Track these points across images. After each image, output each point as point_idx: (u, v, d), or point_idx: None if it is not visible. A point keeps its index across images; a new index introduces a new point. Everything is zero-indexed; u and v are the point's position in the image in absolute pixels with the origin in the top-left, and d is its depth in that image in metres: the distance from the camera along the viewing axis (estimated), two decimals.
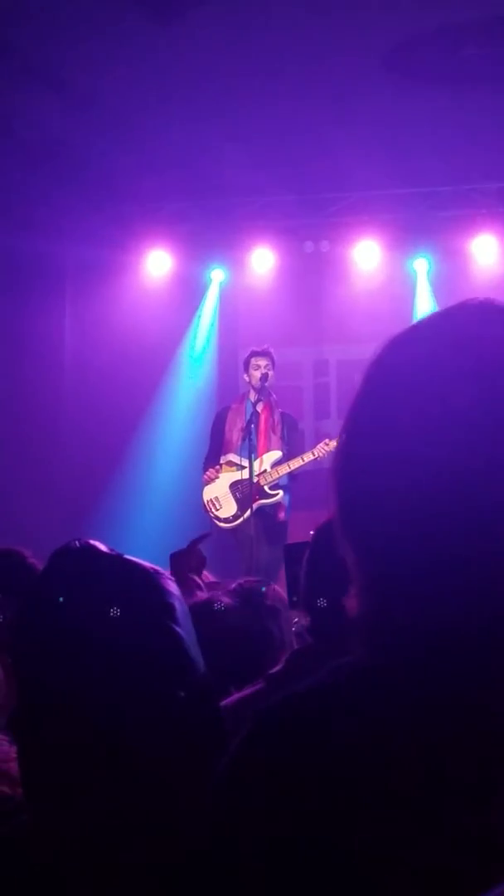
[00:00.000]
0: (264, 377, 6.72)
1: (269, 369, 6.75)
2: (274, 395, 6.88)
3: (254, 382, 6.77)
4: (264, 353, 6.80)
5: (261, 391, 6.73)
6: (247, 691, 1.92)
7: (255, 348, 6.85)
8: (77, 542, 1.26)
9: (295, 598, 2.30)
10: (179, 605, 1.20)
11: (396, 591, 0.80)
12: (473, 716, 0.76)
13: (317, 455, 6.54)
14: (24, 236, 7.77)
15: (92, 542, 1.27)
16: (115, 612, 1.15)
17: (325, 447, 6.50)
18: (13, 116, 6.59)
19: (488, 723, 0.76)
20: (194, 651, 1.18)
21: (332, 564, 1.87)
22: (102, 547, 1.26)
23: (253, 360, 6.81)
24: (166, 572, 1.26)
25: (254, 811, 0.80)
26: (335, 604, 1.81)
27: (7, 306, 8.43)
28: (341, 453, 0.87)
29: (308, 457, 6.57)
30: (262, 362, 6.77)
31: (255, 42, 5.88)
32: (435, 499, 0.78)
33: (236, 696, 1.96)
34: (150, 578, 1.20)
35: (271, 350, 6.82)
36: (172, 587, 1.22)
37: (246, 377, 6.87)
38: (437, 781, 0.75)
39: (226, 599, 2.16)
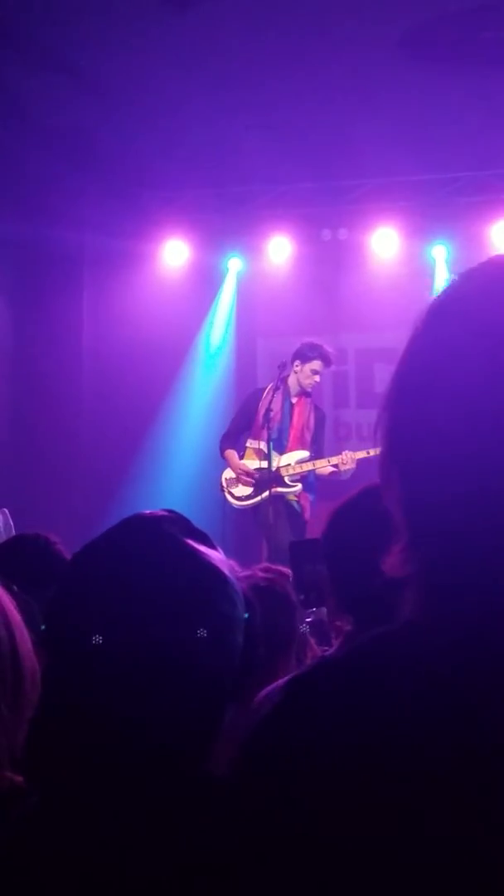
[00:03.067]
0: (315, 384, 6.62)
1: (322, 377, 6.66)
2: (311, 395, 6.73)
3: (305, 385, 6.57)
4: (330, 363, 6.60)
5: (303, 391, 6.64)
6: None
7: (325, 349, 6.56)
8: (151, 512, 1.20)
9: (302, 597, 2.29)
10: (235, 619, 1.15)
11: (448, 550, 0.76)
12: None
13: (340, 466, 6.44)
14: (43, 225, 7.77)
15: (167, 513, 1.20)
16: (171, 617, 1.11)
17: (347, 459, 6.40)
18: (32, 104, 6.59)
19: None
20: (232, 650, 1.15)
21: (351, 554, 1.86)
22: (173, 517, 1.19)
23: (318, 364, 6.55)
24: (235, 572, 1.20)
25: (280, 783, 0.77)
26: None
27: (26, 295, 8.45)
28: (395, 388, 0.83)
29: (334, 460, 6.48)
30: (323, 370, 6.61)
31: (273, 29, 5.84)
32: (497, 451, 0.75)
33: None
34: (202, 584, 1.14)
35: (334, 360, 6.69)
36: (238, 597, 1.17)
37: (297, 369, 6.58)
38: (490, 756, 0.72)
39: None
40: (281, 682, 2.04)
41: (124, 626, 1.11)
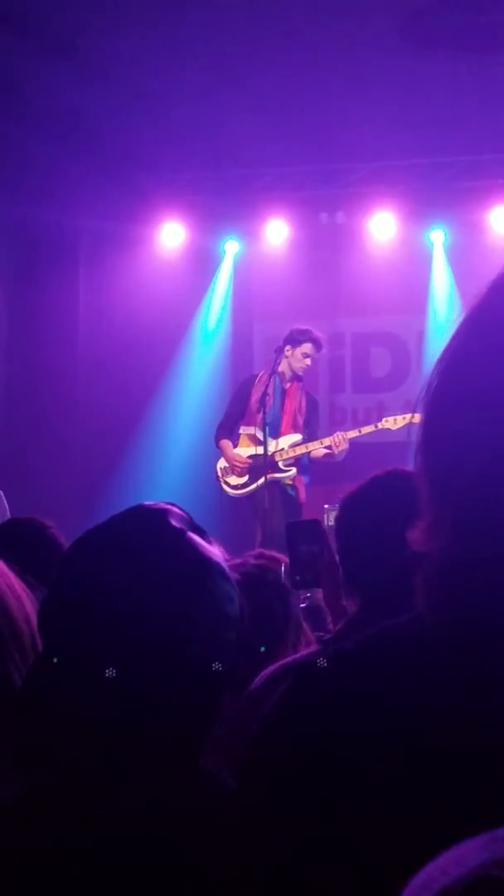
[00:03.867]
0: (306, 368, 6.67)
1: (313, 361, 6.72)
2: (303, 380, 6.81)
3: (296, 368, 6.62)
4: (320, 347, 6.65)
5: (295, 376, 6.67)
6: (292, 658, 1.98)
7: (315, 334, 6.61)
8: (155, 505, 1.20)
9: (298, 577, 2.30)
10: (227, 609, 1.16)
11: (474, 533, 0.75)
12: None
13: (332, 447, 6.47)
14: (39, 207, 7.73)
15: (170, 507, 1.20)
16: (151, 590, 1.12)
17: (339, 439, 6.44)
18: (27, 86, 6.54)
19: None
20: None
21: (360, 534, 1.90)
22: (176, 511, 1.20)
23: (308, 348, 6.59)
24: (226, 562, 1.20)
25: (286, 772, 0.77)
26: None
27: (22, 277, 8.42)
28: (437, 374, 0.81)
29: (326, 441, 6.52)
30: (315, 354, 6.66)
31: (270, 12, 5.80)
32: None
33: (282, 662, 2.01)
34: (202, 577, 1.14)
35: (324, 344, 6.73)
36: (234, 594, 1.17)
37: (288, 353, 6.61)
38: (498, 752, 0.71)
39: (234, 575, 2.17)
40: (275, 667, 2.05)
41: (124, 616, 1.11)
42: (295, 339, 6.60)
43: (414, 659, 0.76)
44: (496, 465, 0.74)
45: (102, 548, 1.17)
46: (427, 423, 0.80)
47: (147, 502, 1.22)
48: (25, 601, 1.37)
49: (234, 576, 1.20)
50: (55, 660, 1.14)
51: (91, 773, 1.09)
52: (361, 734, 0.75)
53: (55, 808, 1.09)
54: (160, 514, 1.18)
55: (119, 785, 1.09)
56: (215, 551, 1.19)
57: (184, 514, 1.21)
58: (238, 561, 2.25)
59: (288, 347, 6.62)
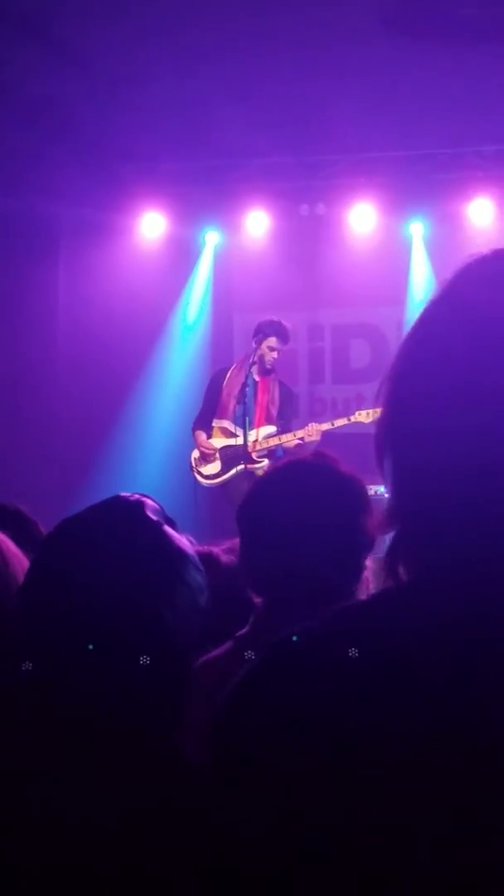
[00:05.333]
0: (275, 360, 6.69)
1: (281, 353, 6.74)
2: (273, 371, 6.83)
3: (266, 361, 6.66)
4: (287, 339, 6.69)
5: (267, 370, 6.70)
6: (215, 653, 1.88)
7: (282, 326, 6.66)
8: (131, 496, 1.24)
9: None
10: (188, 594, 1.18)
11: (438, 516, 0.77)
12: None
13: (305, 438, 6.50)
14: (18, 197, 7.69)
15: (145, 499, 1.24)
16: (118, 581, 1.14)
17: (312, 431, 6.48)
18: (4, 73, 6.50)
19: None
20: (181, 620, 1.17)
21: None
22: (151, 504, 1.23)
23: (273, 341, 6.65)
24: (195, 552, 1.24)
25: (253, 753, 0.77)
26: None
27: (0, 267, 8.37)
28: (404, 355, 0.84)
29: (300, 433, 6.55)
30: (281, 347, 6.69)
31: (248, 3, 5.79)
32: (492, 421, 0.75)
33: (204, 658, 1.92)
34: (177, 567, 1.18)
35: (290, 336, 6.75)
36: (203, 583, 1.21)
37: (255, 346, 6.68)
38: (463, 723, 0.72)
39: (225, 558, 2.16)
40: (227, 646, 1.99)
41: (102, 603, 1.13)
42: (262, 332, 6.66)
43: (376, 639, 0.77)
44: (456, 450, 0.76)
45: (81, 537, 1.20)
46: (393, 410, 0.82)
47: (124, 493, 1.25)
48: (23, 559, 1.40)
49: (228, 559, 1.24)
50: (33, 644, 1.15)
51: (69, 757, 1.10)
52: (328, 711, 0.76)
53: (28, 781, 1.10)
54: (137, 507, 1.21)
55: (97, 769, 1.10)
56: (186, 542, 1.23)
57: (157, 507, 1.24)
58: (205, 549, 2.24)
59: (256, 340, 6.69)
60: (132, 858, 1.04)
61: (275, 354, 6.69)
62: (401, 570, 0.80)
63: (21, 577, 1.33)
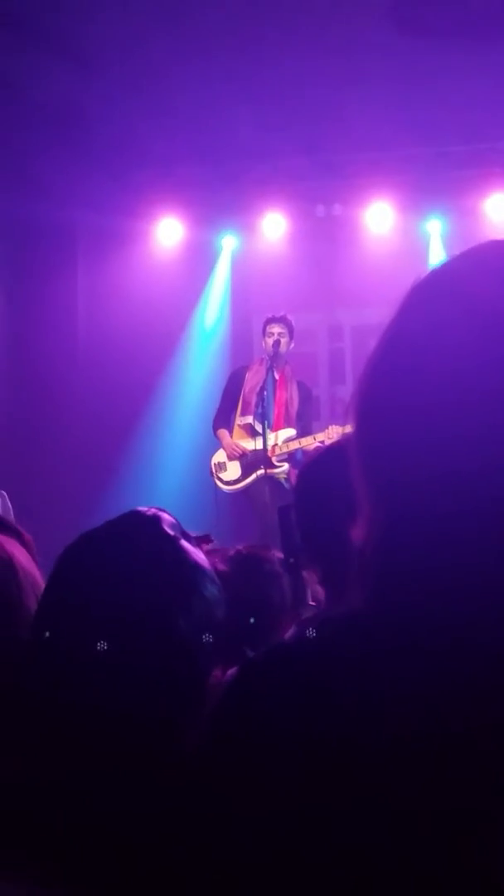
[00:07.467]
0: (276, 344, 6.68)
1: (282, 336, 6.70)
2: (289, 366, 6.83)
3: (267, 349, 6.75)
4: (278, 320, 6.75)
5: (274, 358, 6.70)
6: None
7: (271, 314, 6.80)
8: (148, 510, 1.26)
9: (291, 560, 2.29)
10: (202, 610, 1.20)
11: (406, 530, 0.77)
12: (471, 669, 0.74)
13: (325, 441, 6.47)
14: (37, 203, 7.72)
15: (162, 513, 1.26)
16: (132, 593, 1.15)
17: (333, 433, 6.45)
18: (24, 81, 6.53)
19: (487, 680, 0.73)
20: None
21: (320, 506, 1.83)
22: (168, 518, 1.25)
23: (267, 327, 6.77)
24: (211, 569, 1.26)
25: (231, 764, 0.80)
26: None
27: (20, 273, 8.41)
28: (366, 388, 0.85)
29: (320, 436, 6.53)
30: (276, 329, 6.73)
31: (265, 3, 5.79)
32: (457, 440, 0.76)
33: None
34: (194, 579, 1.20)
35: (288, 317, 6.77)
36: (221, 597, 1.22)
37: (263, 343, 6.84)
38: (427, 742, 0.73)
39: (221, 566, 2.15)
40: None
41: (121, 617, 1.15)
42: (262, 329, 6.83)
43: (345, 660, 0.79)
44: (426, 464, 0.77)
45: (98, 552, 1.22)
46: (362, 426, 0.83)
47: (140, 508, 1.28)
48: (38, 579, 1.40)
49: (220, 565, 1.26)
50: (51, 662, 1.16)
51: (83, 766, 1.11)
52: (290, 730, 0.78)
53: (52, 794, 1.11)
54: (154, 521, 1.24)
55: (112, 782, 1.10)
56: (202, 556, 1.25)
57: (174, 521, 1.27)
58: (231, 553, 2.24)
59: (262, 340, 6.84)
60: (136, 864, 1.05)
61: (271, 340, 6.70)
62: (366, 585, 0.80)
63: (33, 594, 1.35)
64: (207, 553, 1.30)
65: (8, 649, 1.28)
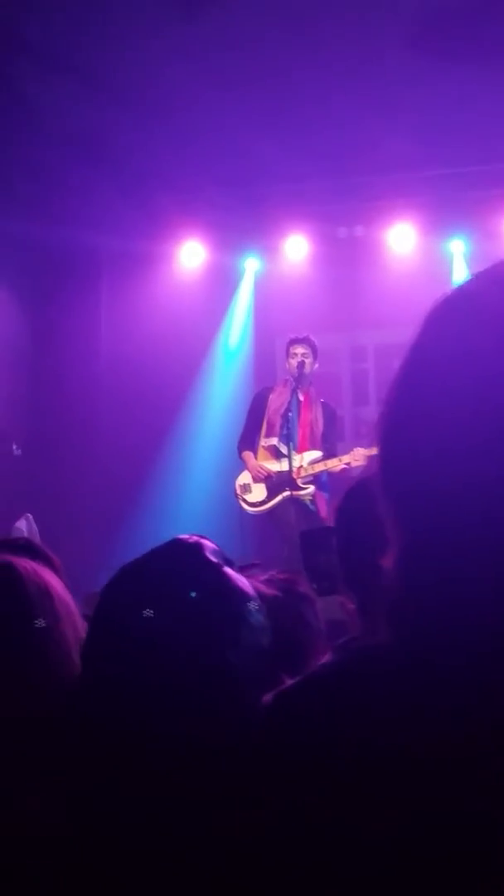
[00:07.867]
0: (301, 365, 6.66)
1: (306, 357, 6.69)
2: (313, 387, 6.81)
3: (291, 370, 6.73)
4: (301, 341, 6.74)
5: (299, 379, 6.68)
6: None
7: (294, 335, 6.80)
8: (189, 538, 1.25)
9: (315, 586, 2.27)
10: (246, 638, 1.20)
11: (428, 553, 0.76)
12: (488, 709, 0.73)
13: (351, 463, 6.45)
14: (60, 228, 7.80)
15: (203, 540, 1.26)
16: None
17: (358, 455, 6.42)
18: (46, 107, 6.61)
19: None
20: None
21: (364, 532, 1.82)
22: (209, 545, 1.25)
23: (291, 348, 6.76)
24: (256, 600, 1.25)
25: (260, 796, 0.82)
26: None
27: (44, 297, 8.49)
28: (389, 411, 0.84)
29: (345, 459, 6.50)
30: (300, 350, 6.72)
31: (283, 25, 5.83)
32: (482, 460, 0.74)
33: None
34: (239, 609, 1.20)
35: (311, 337, 6.76)
36: (265, 624, 1.22)
37: (287, 365, 6.82)
38: (442, 777, 0.73)
39: (264, 589, 2.14)
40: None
41: (163, 649, 1.15)
42: (285, 350, 6.81)
43: (374, 691, 0.79)
44: (452, 492, 0.76)
45: (144, 583, 1.21)
46: (386, 448, 0.82)
47: (182, 536, 1.27)
48: (72, 606, 1.40)
49: (270, 592, 1.24)
50: (97, 692, 1.16)
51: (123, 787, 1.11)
52: (320, 761, 0.79)
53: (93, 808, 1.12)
54: (196, 549, 1.23)
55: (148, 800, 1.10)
56: (246, 583, 1.24)
57: (216, 548, 1.26)
58: (264, 577, 2.23)
59: (286, 362, 6.82)
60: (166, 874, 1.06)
61: (295, 361, 6.67)
62: (393, 613, 0.80)
63: (69, 622, 1.35)
64: (249, 577, 1.29)
65: (49, 680, 1.28)
